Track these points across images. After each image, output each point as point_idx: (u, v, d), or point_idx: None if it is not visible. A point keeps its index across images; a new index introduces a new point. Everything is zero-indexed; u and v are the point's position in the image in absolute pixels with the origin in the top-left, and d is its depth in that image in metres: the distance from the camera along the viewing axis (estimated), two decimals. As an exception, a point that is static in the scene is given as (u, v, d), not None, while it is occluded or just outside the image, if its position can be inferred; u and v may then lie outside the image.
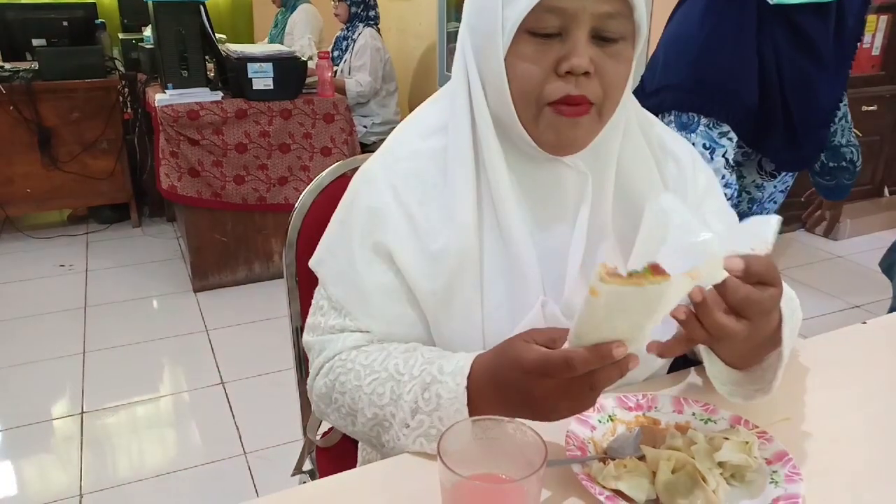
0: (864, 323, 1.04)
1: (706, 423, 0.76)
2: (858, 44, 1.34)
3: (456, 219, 0.77)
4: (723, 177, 1.23)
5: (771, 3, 1.16)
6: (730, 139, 1.22)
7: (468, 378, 0.70)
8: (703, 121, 1.21)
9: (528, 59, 0.71)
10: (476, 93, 0.77)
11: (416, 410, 0.73)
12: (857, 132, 1.62)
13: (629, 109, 0.81)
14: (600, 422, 0.75)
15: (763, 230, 0.71)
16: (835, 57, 1.25)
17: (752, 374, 0.75)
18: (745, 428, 0.73)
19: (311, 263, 0.87)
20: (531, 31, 0.70)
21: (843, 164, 1.55)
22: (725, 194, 1.22)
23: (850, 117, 1.54)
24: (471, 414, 0.69)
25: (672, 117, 1.25)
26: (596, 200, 0.80)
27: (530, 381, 0.64)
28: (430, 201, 0.80)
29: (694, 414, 0.77)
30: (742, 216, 1.17)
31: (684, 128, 1.23)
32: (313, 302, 0.88)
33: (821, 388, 0.86)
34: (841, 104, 1.49)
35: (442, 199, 0.79)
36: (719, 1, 1.23)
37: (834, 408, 0.82)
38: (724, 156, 1.22)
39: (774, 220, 0.71)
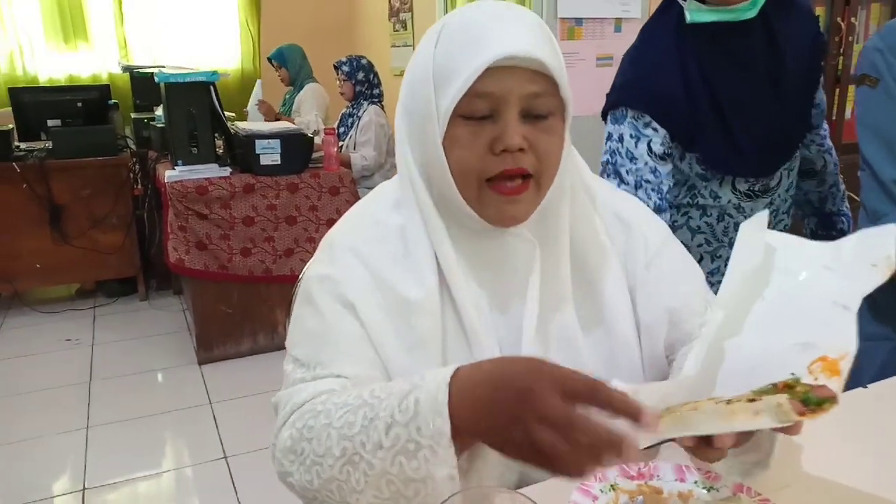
0: (866, 387, 1.04)
1: (709, 490, 0.76)
2: (820, 77, 1.41)
3: (423, 284, 0.79)
4: (646, 163, 1.31)
5: (687, 21, 1.28)
6: (654, 129, 1.31)
7: (452, 377, 0.63)
8: (630, 112, 1.32)
9: (464, 142, 0.75)
10: (413, 173, 0.81)
11: (392, 425, 0.64)
12: (854, 196, 1.65)
13: (573, 175, 0.84)
14: (602, 491, 0.76)
15: (881, 243, 0.69)
16: (773, 77, 1.31)
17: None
18: (748, 495, 0.73)
19: (287, 342, 0.86)
20: (464, 115, 0.74)
21: (834, 233, 1.57)
22: (650, 181, 1.31)
23: (842, 186, 1.57)
24: (452, 422, 0.61)
25: (609, 118, 1.36)
26: (549, 268, 0.82)
27: (536, 397, 0.56)
28: (397, 263, 0.81)
29: (696, 482, 0.77)
30: (730, 243, 1.22)
31: (616, 122, 1.34)
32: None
33: (823, 454, 0.86)
34: (828, 157, 1.51)
35: (407, 265, 0.81)
36: (653, 18, 1.40)
37: (836, 474, 0.82)
38: (648, 144, 1.31)
39: (890, 229, 0.69)
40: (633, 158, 1.31)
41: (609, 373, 0.81)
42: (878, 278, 0.68)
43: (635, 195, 1.26)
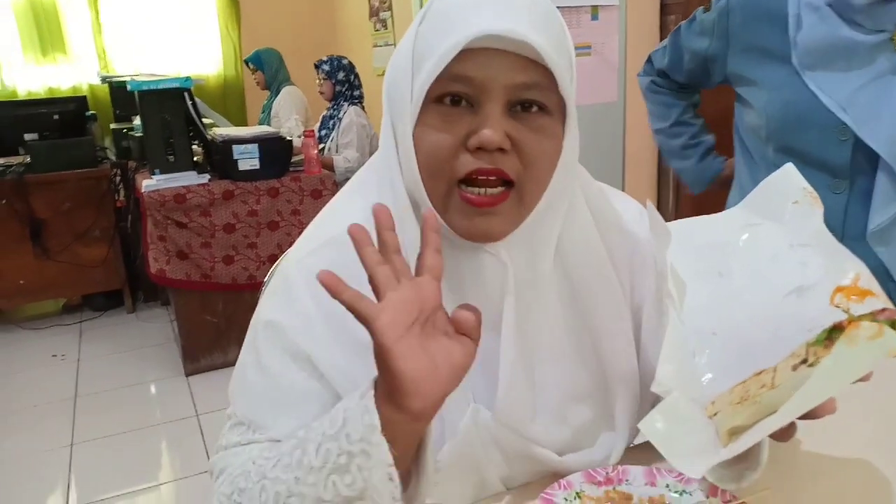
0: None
1: (681, 494, 0.71)
2: None
3: None
4: None
5: None
6: None
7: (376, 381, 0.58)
8: None
9: (435, 130, 0.64)
10: (394, 170, 0.69)
11: (321, 444, 0.59)
12: None
13: (573, 189, 0.73)
14: (567, 500, 0.71)
15: (787, 181, 0.66)
16: None
17: None
18: (722, 499, 0.68)
19: (229, 389, 0.78)
20: (439, 100, 0.65)
21: None
22: None
23: None
24: (382, 422, 0.56)
25: None
26: (528, 296, 0.72)
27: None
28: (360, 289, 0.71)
29: (668, 485, 0.72)
30: None
31: None
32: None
33: (803, 455, 0.81)
34: None
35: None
36: None
37: (817, 477, 0.77)
38: None
39: (789, 169, 0.66)
40: None
41: (605, 398, 0.77)
42: (814, 210, 0.65)
43: None
